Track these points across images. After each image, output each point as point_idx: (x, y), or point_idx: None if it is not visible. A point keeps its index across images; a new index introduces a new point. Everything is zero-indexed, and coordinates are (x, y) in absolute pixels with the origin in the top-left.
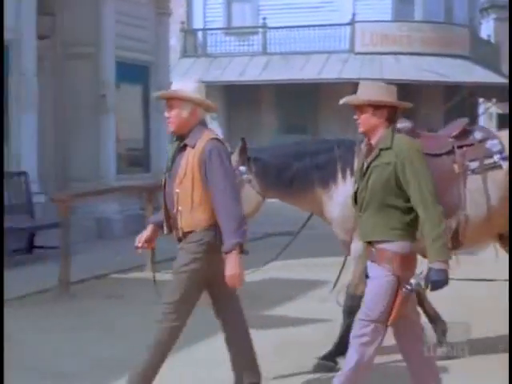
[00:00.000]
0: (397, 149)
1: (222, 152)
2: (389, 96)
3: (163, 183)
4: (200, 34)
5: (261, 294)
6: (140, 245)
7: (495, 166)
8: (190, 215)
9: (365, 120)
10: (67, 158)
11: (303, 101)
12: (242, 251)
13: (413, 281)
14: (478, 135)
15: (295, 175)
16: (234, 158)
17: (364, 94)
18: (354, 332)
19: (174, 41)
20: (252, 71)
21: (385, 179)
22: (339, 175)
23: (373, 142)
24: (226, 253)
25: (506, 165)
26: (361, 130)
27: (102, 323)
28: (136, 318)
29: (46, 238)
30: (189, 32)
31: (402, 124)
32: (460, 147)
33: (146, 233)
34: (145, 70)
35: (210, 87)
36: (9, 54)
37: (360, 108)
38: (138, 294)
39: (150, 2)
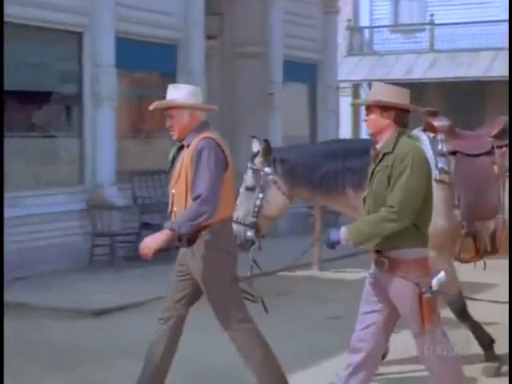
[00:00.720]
0: (397, 153)
1: (213, 151)
2: (398, 98)
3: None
4: (366, 31)
5: None
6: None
7: None
8: None
9: (372, 121)
10: (234, 155)
11: (470, 99)
12: (180, 240)
13: (433, 282)
14: None
15: (325, 175)
16: (259, 159)
17: (374, 94)
18: (419, 352)
19: (340, 39)
20: (419, 69)
21: (386, 184)
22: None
23: (378, 146)
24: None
25: None
26: (369, 131)
27: (269, 321)
28: (302, 316)
29: None
30: (355, 30)
31: (440, 122)
32: (500, 147)
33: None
34: (312, 68)
35: None
36: (177, 54)
37: (369, 109)
38: (304, 292)
39: (318, 1)
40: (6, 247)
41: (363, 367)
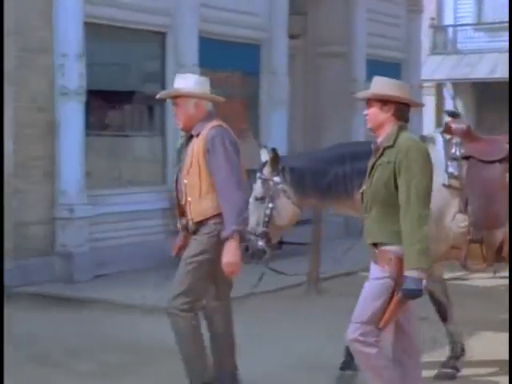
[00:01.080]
0: (398, 148)
1: (226, 138)
2: (398, 92)
3: (175, 178)
4: (450, 30)
5: None
6: (175, 253)
7: None
8: (199, 205)
9: (372, 115)
10: None
11: None
12: (243, 240)
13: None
14: None
15: (334, 180)
16: (267, 168)
17: (373, 88)
18: (348, 335)
19: (423, 37)
20: (502, 68)
21: (386, 178)
22: None
23: (379, 140)
24: (225, 239)
25: None
26: (368, 125)
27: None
28: None
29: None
30: (438, 28)
31: (457, 125)
32: None
33: (179, 241)
34: (396, 67)
35: (459, 84)
36: (260, 53)
37: (369, 103)
38: None
39: (402, 0)
40: (90, 245)
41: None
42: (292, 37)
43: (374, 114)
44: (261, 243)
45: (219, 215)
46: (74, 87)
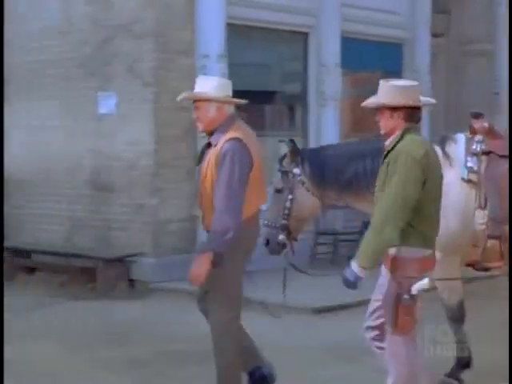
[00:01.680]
0: (395, 151)
1: (236, 155)
2: (405, 97)
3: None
4: None
5: None
6: None
7: None
8: (211, 216)
9: (383, 122)
10: None
11: None
12: (216, 262)
13: (414, 287)
14: None
15: (354, 175)
16: (287, 160)
17: (380, 97)
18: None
19: None
20: None
21: (383, 181)
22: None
23: (386, 143)
24: (201, 250)
25: None
26: (382, 132)
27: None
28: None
29: None
30: None
31: (479, 124)
32: None
33: None
34: None
35: None
36: (402, 52)
37: (380, 110)
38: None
39: None
40: None
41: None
42: (435, 35)
43: (385, 121)
44: (281, 236)
45: None
46: None
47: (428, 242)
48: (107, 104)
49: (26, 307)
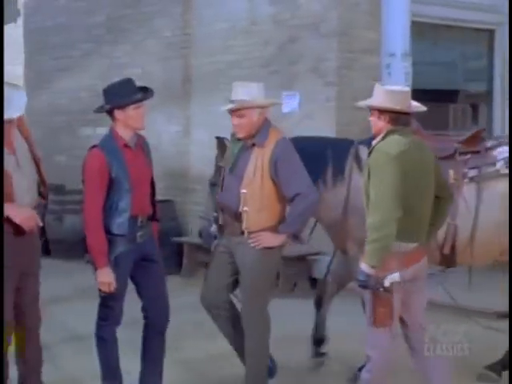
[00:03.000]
0: (373, 151)
1: (292, 152)
2: (392, 101)
3: (221, 183)
4: None
5: None
6: None
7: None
8: (258, 215)
9: (373, 123)
10: None
11: None
12: (297, 238)
13: (386, 280)
14: (489, 143)
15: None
16: (218, 156)
17: (372, 98)
18: None
19: None
20: None
21: (365, 181)
22: (329, 177)
23: (373, 143)
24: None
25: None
26: (372, 131)
27: None
28: None
29: None
30: None
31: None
32: (464, 153)
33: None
34: None
35: None
36: None
37: (371, 111)
38: None
39: None
40: None
41: None
42: None
43: (374, 121)
44: (213, 228)
45: (273, 227)
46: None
47: (410, 235)
48: (291, 103)
49: None
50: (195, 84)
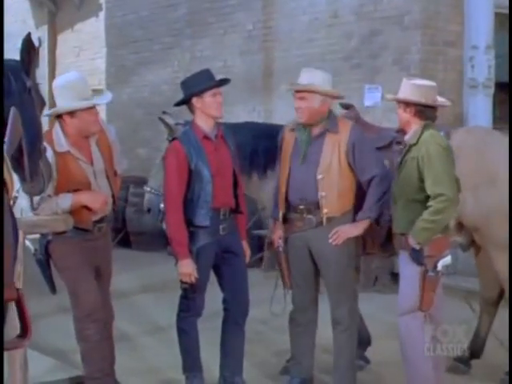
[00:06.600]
0: (421, 145)
1: (365, 137)
2: (418, 95)
3: (288, 171)
4: None
5: None
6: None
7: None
8: (337, 201)
9: (399, 115)
10: None
11: None
12: (378, 223)
13: (439, 264)
14: None
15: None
16: (168, 133)
17: (399, 93)
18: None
19: None
20: None
21: (410, 174)
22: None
23: (405, 138)
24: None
25: None
26: (398, 124)
27: None
28: None
29: None
30: None
31: (349, 115)
32: (399, 143)
33: (277, 231)
34: None
35: None
36: None
37: (398, 104)
38: None
39: None
40: None
41: None
42: None
43: (400, 114)
44: (162, 204)
45: (350, 211)
46: (482, 79)
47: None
48: (373, 96)
49: None
50: (277, 77)
